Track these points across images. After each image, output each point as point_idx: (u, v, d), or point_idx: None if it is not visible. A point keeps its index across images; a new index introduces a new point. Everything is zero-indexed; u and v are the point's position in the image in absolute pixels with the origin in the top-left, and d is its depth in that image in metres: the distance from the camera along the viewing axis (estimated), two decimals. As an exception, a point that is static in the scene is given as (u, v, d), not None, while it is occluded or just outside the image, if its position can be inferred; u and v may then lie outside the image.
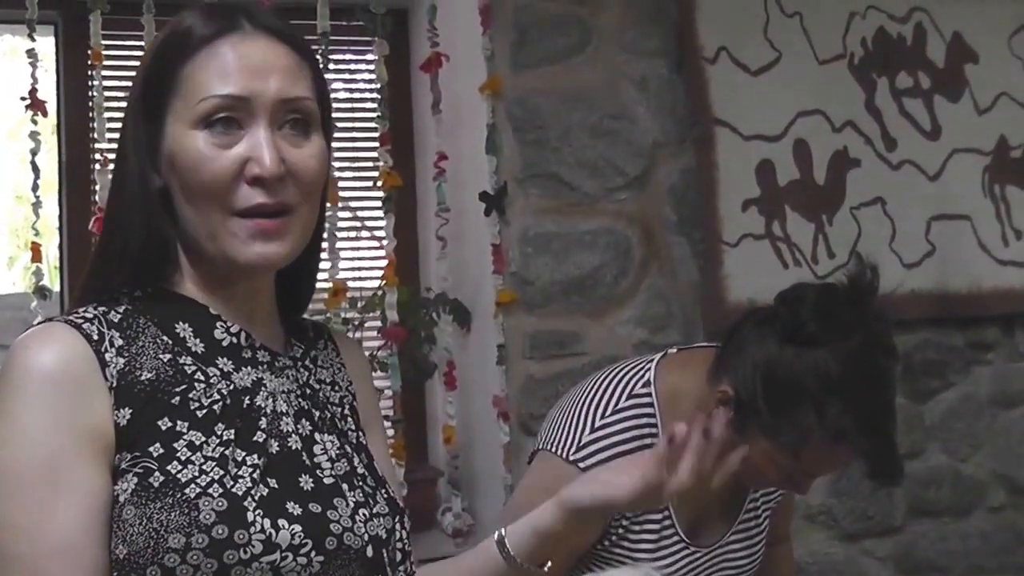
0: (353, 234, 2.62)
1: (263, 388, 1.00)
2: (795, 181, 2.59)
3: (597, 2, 2.51)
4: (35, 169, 2.18)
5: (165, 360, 0.96)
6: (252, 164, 0.95)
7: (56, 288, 2.32)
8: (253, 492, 0.92)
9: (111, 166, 2.18)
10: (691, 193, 2.53)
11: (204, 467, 0.92)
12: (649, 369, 1.56)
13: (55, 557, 0.87)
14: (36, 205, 2.18)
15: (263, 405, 0.99)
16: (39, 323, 0.98)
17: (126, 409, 0.92)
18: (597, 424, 1.51)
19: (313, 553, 0.92)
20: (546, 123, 2.45)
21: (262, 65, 0.97)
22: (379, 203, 2.43)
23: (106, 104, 2.24)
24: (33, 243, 2.18)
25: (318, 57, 2.24)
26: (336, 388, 1.11)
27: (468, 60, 2.46)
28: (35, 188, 2.18)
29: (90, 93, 2.32)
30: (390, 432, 2.33)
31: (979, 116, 2.82)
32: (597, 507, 1.11)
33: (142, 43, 2.26)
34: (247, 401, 0.98)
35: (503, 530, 1.13)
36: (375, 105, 2.44)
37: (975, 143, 2.80)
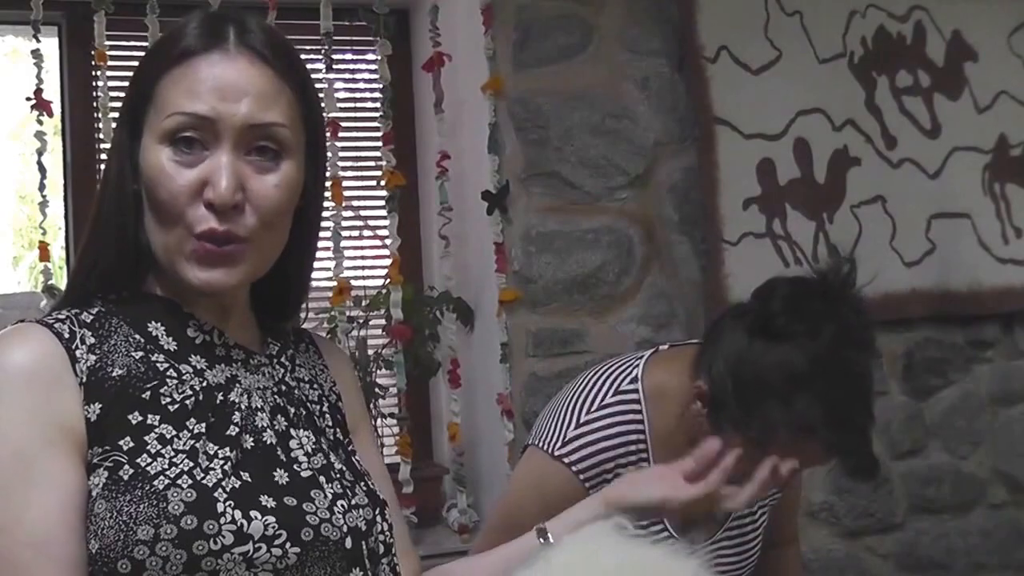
0: (356, 233, 2.63)
1: (237, 384, 1.01)
2: (796, 180, 2.60)
3: (598, 2, 2.52)
4: (41, 169, 2.20)
5: (137, 357, 0.97)
6: (208, 188, 0.94)
7: (63, 287, 2.33)
8: (224, 484, 0.92)
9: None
10: (692, 192, 2.54)
11: (174, 460, 0.92)
12: (637, 366, 1.56)
13: (30, 549, 0.87)
14: (43, 204, 2.20)
15: (237, 401, 0.99)
16: (12, 326, 0.97)
17: (96, 404, 0.92)
18: (582, 420, 1.51)
19: (288, 544, 0.92)
20: (548, 122, 2.46)
21: (234, 87, 0.95)
22: (382, 202, 2.44)
23: (110, 104, 2.25)
24: (41, 242, 2.20)
25: (324, 62, 2.29)
26: (315, 387, 1.11)
27: (470, 60, 2.47)
28: (42, 188, 2.19)
29: (94, 94, 2.33)
30: (395, 430, 2.35)
31: (979, 114, 2.83)
32: (650, 506, 1.12)
33: (146, 44, 2.27)
34: (220, 397, 0.98)
35: (544, 524, 1.13)
36: (377, 105, 2.45)
37: (975, 141, 2.81)
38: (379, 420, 2.38)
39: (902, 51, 2.77)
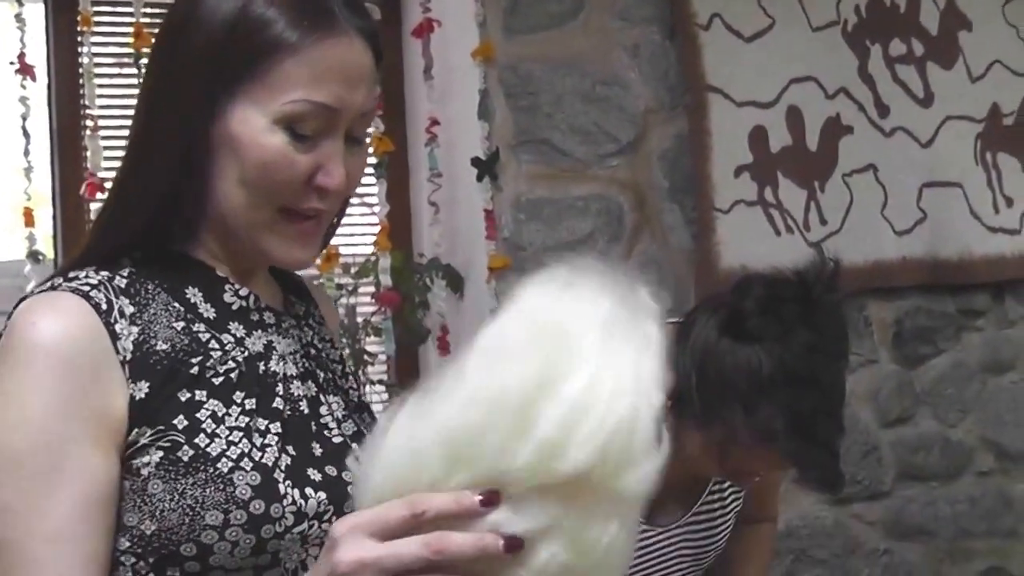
0: (345, 200, 2.61)
1: (274, 352, 0.98)
2: (788, 148, 2.59)
3: (590, -33, 2.50)
4: (25, 134, 2.18)
5: (179, 328, 0.93)
6: (322, 174, 0.92)
7: (51, 255, 2.32)
8: (280, 462, 0.90)
9: (102, 132, 2.19)
10: (683, 159, 2.53)
11: (231, 439, 0.89)
12: None
13: (49, 544, 0.84)
14: (28, 170, 2.19)
15: (277, 370, 0.97)
16: (41, 290, 0.91)
17: (143, 382, 0.88)
18: None
19: (335, 519, 0.89)
20: (538, 89, 2.45)
21: (356, 76, 0.93)
22: (371, 169, 2.42)
23: (96, 70, 2.22)
24: (25, 208, 2.19)
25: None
26: (334, 346, 1.09)
27: (460, 26, 2.45)
28: (26, 153, 2.18)
29: (80, 59, 2.31)
30: (384, 397, 2.35)
31: (972, 83, 2.82)
32: None
33: (131, 8, 2.24)
34: (262, 367, 0.96)
35: None
36: (367, 71, 2.43)
37: (968, 110, 2.80)
38: (368, 387, 2.38)
39: (896, 19, 2.75)
